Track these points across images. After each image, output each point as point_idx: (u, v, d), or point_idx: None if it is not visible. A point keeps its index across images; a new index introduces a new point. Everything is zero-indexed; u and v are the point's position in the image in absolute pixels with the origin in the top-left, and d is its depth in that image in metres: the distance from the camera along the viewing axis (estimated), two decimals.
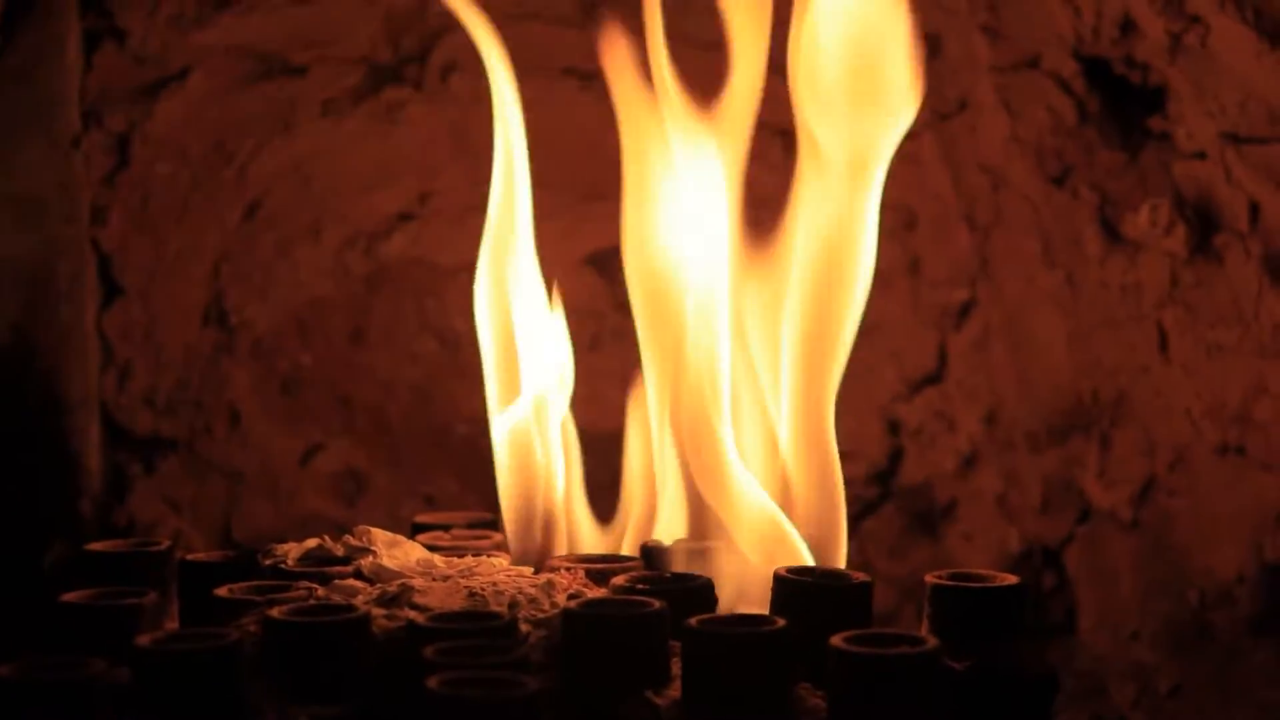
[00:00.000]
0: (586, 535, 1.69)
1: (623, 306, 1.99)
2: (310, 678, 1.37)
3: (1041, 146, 1.98)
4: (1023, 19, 1.95)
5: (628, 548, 1.68)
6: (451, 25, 2.02)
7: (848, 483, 2.06)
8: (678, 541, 1.62)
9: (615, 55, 1.64)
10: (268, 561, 1.55)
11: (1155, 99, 1.91)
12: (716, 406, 1.60)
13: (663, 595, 1.44)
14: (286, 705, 1.36)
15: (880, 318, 2.08)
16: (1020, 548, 2.04)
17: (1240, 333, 1.88)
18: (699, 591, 1.50)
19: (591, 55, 1.90)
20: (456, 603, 1.45)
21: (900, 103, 1.60)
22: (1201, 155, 1.89)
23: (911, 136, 2.02)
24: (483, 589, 1.48)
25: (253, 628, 1.42)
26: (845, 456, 2.07)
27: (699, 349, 1.61)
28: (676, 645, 1.41)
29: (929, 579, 1.50)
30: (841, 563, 1.60)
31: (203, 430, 2.06)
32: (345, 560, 1.55)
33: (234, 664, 1.34)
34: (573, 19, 1.99)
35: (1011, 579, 1.51)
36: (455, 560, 1.56)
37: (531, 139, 1.76)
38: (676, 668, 1.40)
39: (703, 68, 1.66)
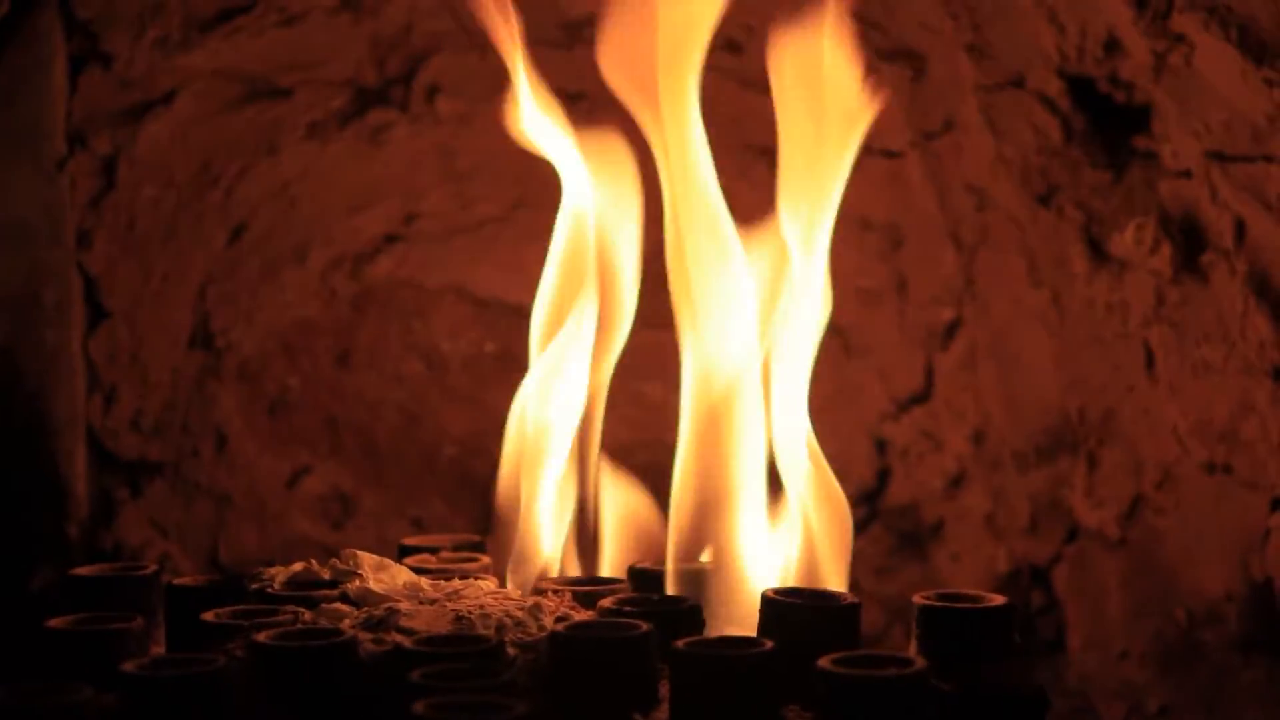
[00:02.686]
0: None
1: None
2: (297, 702, 1.37)
3: (1027, 165, 1.98)
4: (1008, 38, 1.95)
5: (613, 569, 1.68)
6: (437, 47, 2.03)
7: None
8: (676, 563, 1.61)
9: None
10: (254, 585, 1.54)
11: (1140, 118, 1.91)
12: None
13: (651, 617, 1.44)
14: None
15: (867, 337, 2.08)
16: (1008, 567, 2.04)
17: (1226, 351, 1.87)
18: (687, 614, 1.50)
19: (577, 76, 1.90)
20: (443, 626, 1.45)
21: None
22: (1187, 174, 1.88)
23: (897, 156, 2.03)
24: (469, 612, 1.47)
25: (239, 652, 1.42)
26: None
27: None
28: (665, 667, 1.40)
29: (917, 599, 1.50)
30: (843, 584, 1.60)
31: (189, 453, 2.06)
32: (332, 584, 1.54)
33: (220, 689, 1.33)
34: (558, 40, 1.99)
35: (1000, 599, 1.51)
36: (442, 583, 1.55)
37: (517, 161, 1.76)
38: (665, 690, 1.40)
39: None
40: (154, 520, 2.05)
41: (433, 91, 2.02)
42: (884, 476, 2.08)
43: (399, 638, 1.43)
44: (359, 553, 1.57)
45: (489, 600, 1.51)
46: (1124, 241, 1.94)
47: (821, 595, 1.52)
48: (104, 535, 2.03)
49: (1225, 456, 1.89)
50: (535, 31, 1.90)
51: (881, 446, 2.08)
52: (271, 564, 1.58)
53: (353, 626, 1.45)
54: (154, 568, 1.62)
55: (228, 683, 1.34)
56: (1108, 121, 1.94)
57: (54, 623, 1.47)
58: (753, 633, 1.49)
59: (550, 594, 1.55)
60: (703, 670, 1.37)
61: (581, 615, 1.51)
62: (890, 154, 2.03)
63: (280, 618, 1.47)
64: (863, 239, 2.05)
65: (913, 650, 1.49)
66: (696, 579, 1.57)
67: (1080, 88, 1.94)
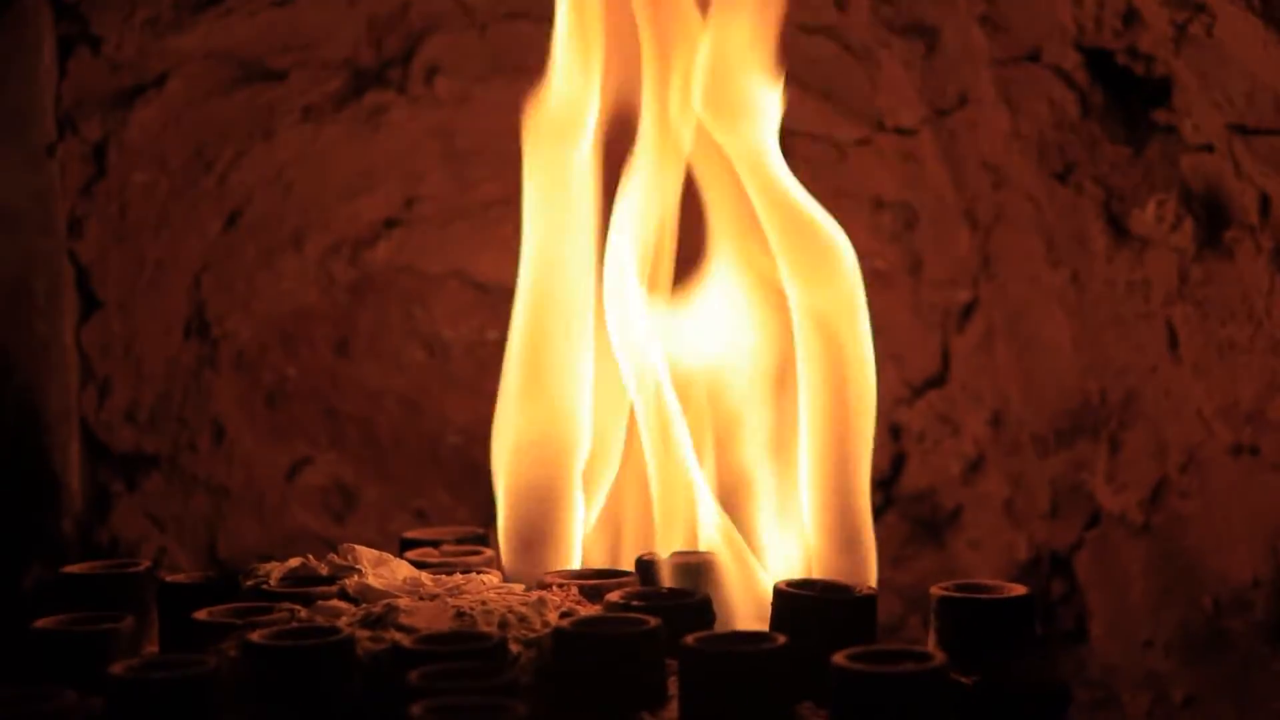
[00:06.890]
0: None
1: None
2: (291, 704, 1.34)
3: (1044, 141, 1.96)
4: (1023, 10, 1.93)
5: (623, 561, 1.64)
6: (435, 26, 2.00)
7: None
8: (674, 554, 1.58)
9: None
10: (249, 582, 1.51)
11: (1160, 91, 1.90)
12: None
13: (659, 612, 1.41)
14: None
15: (881, 320, 2.04)
16: (1028, 554, 2.02)
17: (1252, 330, 1.86)
18: (696, 608, 1.47)
19: None
20: (444, 623, 1.42)
21: None
22: (1209, 148, 1.87)
23: (910, 133, 2.00)
24: (471, 608, 1.45)
25: (232, 652, 1.38)
26: None
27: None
28: (673, 664, 1.37)
29: (935, 590, 1.49)
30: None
31: (186, 445, 2.03)
32: (330, 580, 1.51)
33: (211, 692, 1.30)
34: None
35: (1020, 589, 1.49)
36: (444, 578, 1.53)
37: (518, 142, 1.73)
38: (674, 687, 1.37)
39: None
40: (150, 514, 2.03)
41: (431, 72, 2.00)
42: (899, 462, 2.06)
43: (398, 636, 1.40)
44: (357, 547, 1.54)
45: (492, 595, 1.49)
46: (1145, 218, 1.93)
47: (836, 588, 1.50)
48: (99, 530, 2.01)
49: (1252, 438, 1.88)
50: (538, 8, 1.86)
51: (896, 432, 2.06)
52: (268, 559, 1.55)
53: (350, 624, 1.42)
54: (147, 564, 1.59)
55: (218, 685, 1.31)
56: (1127, 95, 1.93)
57: (41, 623, 1.45)
58: (765, 627, 1.46)
59: (555, 588, 1.52)
60: (713, 667, 1.34)
61: (588, 610, 1.47)
62: (903, 131, 2.01)
63: (275, 616, 1.44)
64: (875, 219, 2.03)
65: (931, 642, 1.47)
66: (694, 571, 1.53)
67: (1098, 61, 1.93)
